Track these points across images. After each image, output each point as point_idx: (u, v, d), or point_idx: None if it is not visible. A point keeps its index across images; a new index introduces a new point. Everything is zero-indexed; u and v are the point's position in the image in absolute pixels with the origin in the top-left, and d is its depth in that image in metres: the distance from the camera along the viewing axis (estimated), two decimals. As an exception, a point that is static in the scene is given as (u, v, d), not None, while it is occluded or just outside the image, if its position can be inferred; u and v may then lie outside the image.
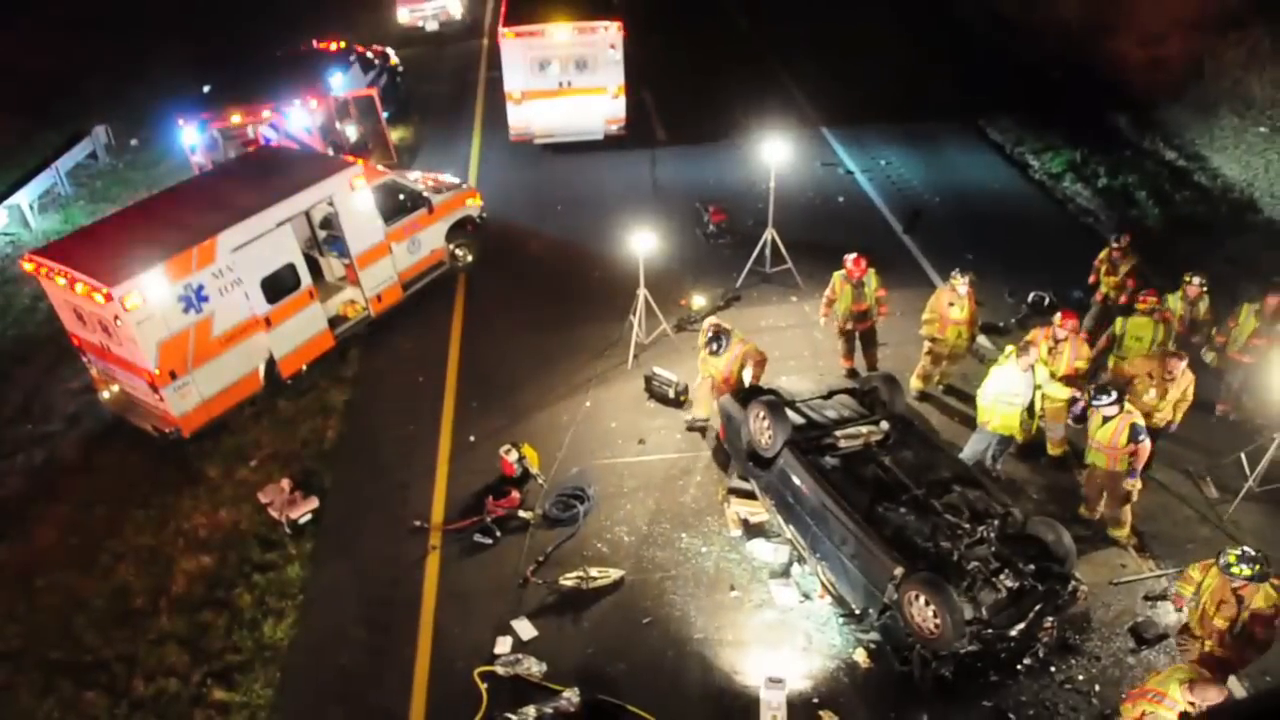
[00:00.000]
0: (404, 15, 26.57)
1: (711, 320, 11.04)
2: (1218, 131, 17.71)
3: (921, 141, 19.12)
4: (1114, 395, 9.20)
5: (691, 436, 11.49)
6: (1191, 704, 6.49)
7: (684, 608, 9.27)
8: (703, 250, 15.52)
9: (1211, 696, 6.52)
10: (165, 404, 11.12)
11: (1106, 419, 9.27)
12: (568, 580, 9.43)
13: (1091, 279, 12.76)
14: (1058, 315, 10.54)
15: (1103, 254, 12.61)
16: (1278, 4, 17.54)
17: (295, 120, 16.57)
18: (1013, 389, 9.87)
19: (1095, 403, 9.26)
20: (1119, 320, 11.23)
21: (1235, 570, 7.20)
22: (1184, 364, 9.81)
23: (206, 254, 11.14)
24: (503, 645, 8.86)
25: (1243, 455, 10.38)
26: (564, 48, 17.86)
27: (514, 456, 10.80)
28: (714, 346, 10.63)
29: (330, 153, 16.01)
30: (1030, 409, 10.04)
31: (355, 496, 10.98)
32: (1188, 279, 11.31)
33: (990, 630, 7.86)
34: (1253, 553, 7.29)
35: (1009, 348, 10.13)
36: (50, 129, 21.00)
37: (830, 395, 10.47)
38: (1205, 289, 11.32)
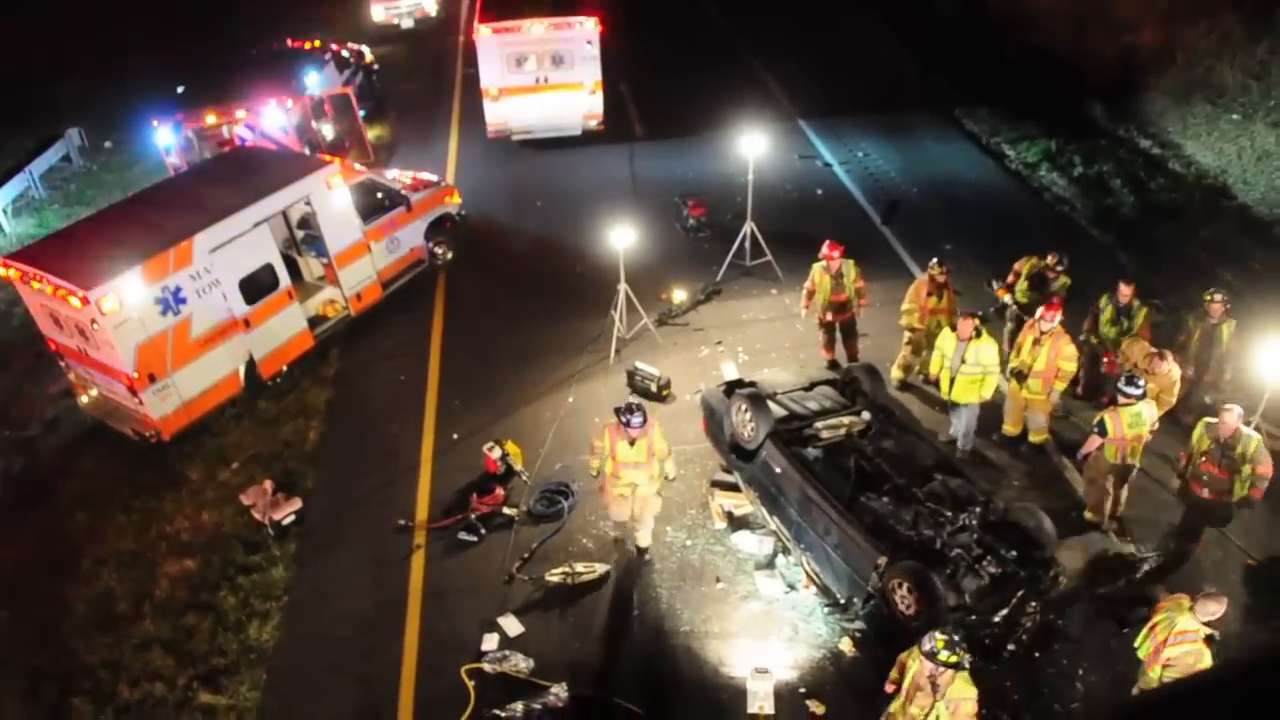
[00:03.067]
0: (379, 13, 26.40)
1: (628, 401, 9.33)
2: (1191, 119, 17.87)
3: (898, 133, 19.18)
4: (1142, 389, 9.09)
5: (676, 429, 10.87)
6: (1206, 623, 6.59)
7: (670, 601, 9.31)
8: (682, 244, 15.53)
9: (1213, 608, 6.62)
10: (145, 407, 11.05)
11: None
12: (553, 576, 9.45)
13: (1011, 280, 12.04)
14: (1040, 308, 10.26)
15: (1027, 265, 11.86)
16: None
17: (270, 120, 16.45)
18: (944, 350, 10.28)
19: (1124, 389, 9.09)
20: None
21: (942, 657, 6.57)
22: (1168, 364, 9.85)
23: (183, 255, 11.07)
24: (490, 642, 8.87)
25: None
26: (540, 43, 17.79)
27: (497, 453, 10.79)
28: (635, 421, 8.73)
29: (307, 152, 15.91)
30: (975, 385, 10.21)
31: (338, 496, 10.95)
32: (1209, 296, 10.48)
33: (974, 616, 7.95)
34: (958, 638, 6.77)
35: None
36: (23, 132, 20.74)
37: (812, 387, 10.53)
38: (1228, 306, 10.42)
